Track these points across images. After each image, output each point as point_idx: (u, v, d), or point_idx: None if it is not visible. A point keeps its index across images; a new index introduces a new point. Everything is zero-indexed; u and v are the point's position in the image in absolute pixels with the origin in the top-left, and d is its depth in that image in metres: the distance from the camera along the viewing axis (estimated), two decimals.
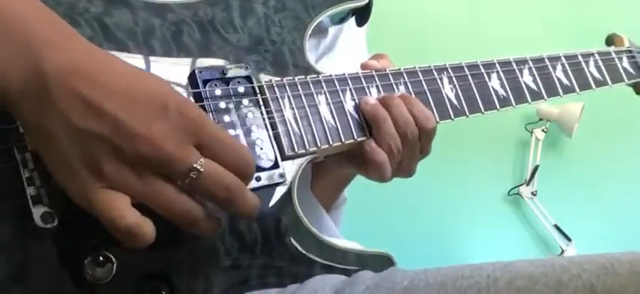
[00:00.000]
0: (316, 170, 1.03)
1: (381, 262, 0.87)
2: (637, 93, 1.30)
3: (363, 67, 0.93)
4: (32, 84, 0.60)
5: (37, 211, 0.65)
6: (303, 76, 0.84)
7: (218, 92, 0.76)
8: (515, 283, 0.66)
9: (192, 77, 0.76)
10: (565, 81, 1.09)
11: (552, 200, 2.53)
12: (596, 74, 1.14)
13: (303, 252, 0.82)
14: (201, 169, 0.62)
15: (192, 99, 0.75)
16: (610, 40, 1.27)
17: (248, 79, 0.79)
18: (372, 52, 1.15)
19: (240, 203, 0.66)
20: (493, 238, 2.52)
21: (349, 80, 0.88)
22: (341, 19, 0.98)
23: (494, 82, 1.01)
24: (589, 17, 2.52)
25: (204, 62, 0.80)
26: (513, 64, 1.04)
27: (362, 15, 0.98)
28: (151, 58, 0.77)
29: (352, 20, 0.98)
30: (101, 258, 0.68)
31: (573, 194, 2.59)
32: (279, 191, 0.81)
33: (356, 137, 0.86)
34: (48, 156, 0.62)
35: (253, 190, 0.75)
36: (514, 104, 1.02)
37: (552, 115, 2.43)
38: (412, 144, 0.89)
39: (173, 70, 0.78)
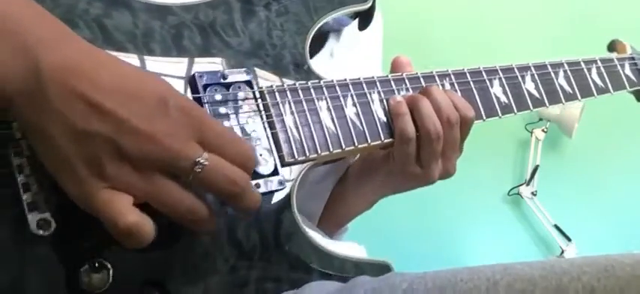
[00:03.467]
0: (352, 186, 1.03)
1: (380, 270, 0.85)
2: (638, 100, 1.28)
3: (395, 63, 0.93)
4: (29, 84, 0.58)
5: (33, 218, 0.63)
6: (304, 82, 0.83)
7: (218, 97, 0.75)
8: (514, 286, 0.64)
9: (192, 81, 0.75)
10: (567, 88, 1.07)
11: (552, 200, 2.52)
12: (599, 81, 1.13)
13: (302, 259, 0.80)
14: (206, 163, 0.61)
15: None
16: (612, 47, 1.26)
17: (249, 83, 0.78)
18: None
19: (247, 197, 0.66)
20: (493, 238, 2.51)
21: (351, 86, 0.86)
22: (352, 16, 0.96)
23: (496, 89, 0.99)
24: (594, 22, 2.51)
25: (202, 62, 0.79)
26: (516, 70, 1.02)
27: (364, 18, 0.96)
28: (146, 57, 0.75)
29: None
30: (97, 266, 0.66)
31: (573, 194, 2.59)
32: (279, 198, 0.79)
33: (357, 144, 0.84)
34: (47, 157, 0.61)
35: None
36: (516, 111, 1.00)
37: (552, 115, 2.42)
38: (453, 131, 0.90)
39: (170, 68, 0.77)
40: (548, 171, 2.51)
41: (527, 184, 2.49)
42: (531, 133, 2.49)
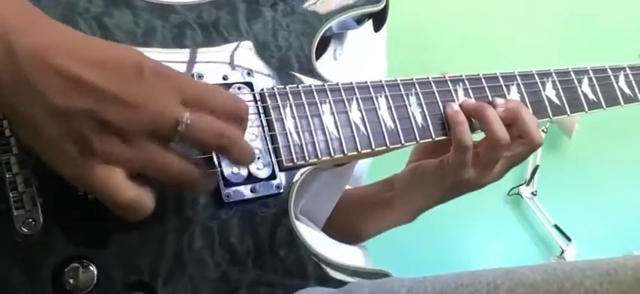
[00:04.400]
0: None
1: (378, 278, 0.82)
2: None
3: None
4: (7, 70, 0.57)
5: (19, 216, 0.63)
6: (307, 85, 0.80)
7: None
8: (516, 291, 0.64)
9: None
10: (591, 96, 1.02)
11: (552, 200, 2.51)
12: (627, 90, 1.06)
13: (297, 266, 0.78)
14: (189, 121, 0.61)
15: None
16: None
17: (249, 85, 0.76)
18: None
19: (236, 149, 0.65)
20: (493, 238, 2.50)
21: (356, 90, 0.83)
22: (359, 21, 0.94)
23: (513, 96, 0.94)
24: (597, 22, 2.48)
25: (204, 51, 0.77)
26: (536, 76, 0.97)
27: (378, 19, 0.93)
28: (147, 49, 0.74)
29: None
30: (83, 266, 0.65)
31: (573, 194, 2.57)
32: (276, 202, 0.77)
33: (360, 149, 0.81)
34: (34, 142, 0.60)
35: (248, 201, 0.73)
36: None
37: None
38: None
39: (171, 58, 0.75)
40: (548, 171, 2.49)
41: (527, 184, 2.48)
42: None
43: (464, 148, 0.88)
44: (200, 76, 0.73)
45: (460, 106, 0.89)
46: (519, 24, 2.48)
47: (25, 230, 0.63)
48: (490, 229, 2.49)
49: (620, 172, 2.60)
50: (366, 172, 1.16)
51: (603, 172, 2.59)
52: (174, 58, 0.74)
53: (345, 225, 1.06)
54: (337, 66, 0.97)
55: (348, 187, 1.12)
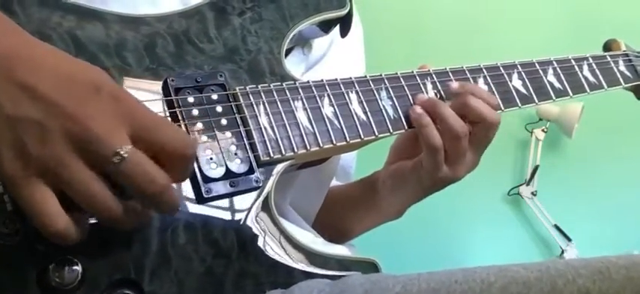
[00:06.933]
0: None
1: (365, 268, 0.83)
2: (638, 98, 1.25)
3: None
4: None
5: (0, 217, 0.63)
6: (278, 83, 0.82)
7: (190, 100, 0.74)
8: (509, 288, 0.64)
9: (164, 86, 0.74)
10: (557, 84, 1.05)
11: (552, 200, 2.48)
12: (591, 78, 1.10)
13: (281, 258, 0.78)
14: (126, 155, 0.58)
15: (166, 109, 0.73)
16: (608, 46, 1.22)
17: (222, 86, 0.77)
18: (368, 53, 1.13)
19: (164, 198, 0.62)
20: (493, 238, 2.47)
21: (327, 86, 0.85)
22: (326, 29, 0.95)
23: (481, 86, 0.97)
24: (591, 18, 2.48)
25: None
26: (501, 68, 1.00)
27: (344, 24, 0.95)
28: (125, 78, 0.75)
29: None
30: (66, 263, 0.66)
31: (573, 194, 2.54)
32: (256, 197, 0.78)
33: (335, 142, 0.82)
34: None
35: (228, 195, 0.74)
36: (503, 108, 0.98)
37: (552, 115, 2.39)
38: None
39: (146, 88, 0.76)
40: (548, 171, 2.47)
41: (527, 184, 2.46)
42: (531, 133, 2.46)
43: (434, 149, 0.89)
44: (173, 80, 0.75)
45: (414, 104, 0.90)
46: (518, 19, 2.48)
47: (6, 230, 0.63)
48: (490, 229, 2.46)
49: (620, 172, 2.57)
50: (354, 163, 1.18)
51: (603, 172, 2.57)
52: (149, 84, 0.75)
53: (333, 224, 1.07)
54: (307, 60, 0.99)
55: (337, 182, 1.14)
